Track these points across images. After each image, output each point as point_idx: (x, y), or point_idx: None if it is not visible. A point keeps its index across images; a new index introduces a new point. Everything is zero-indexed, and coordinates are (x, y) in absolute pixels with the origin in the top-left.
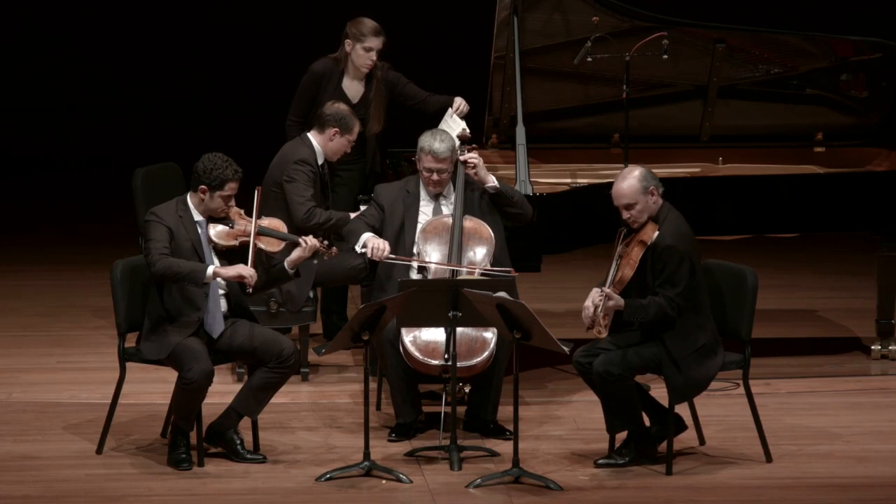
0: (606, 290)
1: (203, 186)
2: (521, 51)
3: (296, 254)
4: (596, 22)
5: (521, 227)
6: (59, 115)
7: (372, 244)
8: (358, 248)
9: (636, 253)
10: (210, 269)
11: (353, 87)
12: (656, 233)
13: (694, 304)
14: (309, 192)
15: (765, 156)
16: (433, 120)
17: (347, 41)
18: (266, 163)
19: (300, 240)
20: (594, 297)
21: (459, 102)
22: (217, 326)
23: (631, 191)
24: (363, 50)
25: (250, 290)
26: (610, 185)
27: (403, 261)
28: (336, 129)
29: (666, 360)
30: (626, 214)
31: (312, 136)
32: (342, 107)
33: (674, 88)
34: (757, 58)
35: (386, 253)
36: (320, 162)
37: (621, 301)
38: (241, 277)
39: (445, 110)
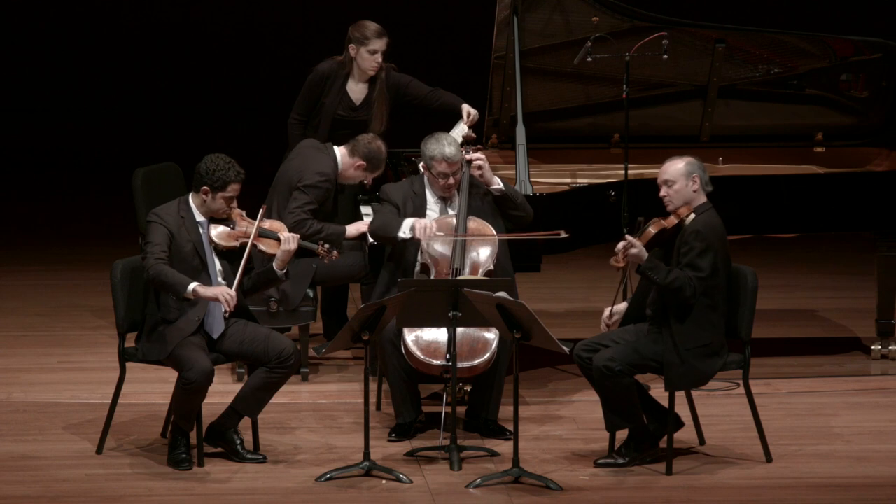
0: (631, 238)
1: (205, 187)
2: (521, 51)
3: (279, 252)
4: (596, 22)
5: (521, 228)
6: (59, 115)
7: (420, 224)
8: (404, 233)
9: (668, 221)
10: (190, 287)
11: (357, 90)
12: (692, 215)
13: (712, 302)
14: (311, 207)
15: (765, 156)
16: (433, 120)
17: (351, 46)
18: (266, 163)
19: (280, 235)
20: (620, 245)
21: (468, 110)
22: (217, 326)
23: (674, 169)
24: (368, 53)
25: (227, 314)
26: (610, 185)
27: (451, 237)
28: (364, 162)
29: (669, 348)
30: (662, 191)
31: (339, 152)
32: (381, 145)
33: (674, 88)
34: (757, 58)
35: (435, 230)
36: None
37: (644, 252)
38: (217, 300)
39: (451, 108)
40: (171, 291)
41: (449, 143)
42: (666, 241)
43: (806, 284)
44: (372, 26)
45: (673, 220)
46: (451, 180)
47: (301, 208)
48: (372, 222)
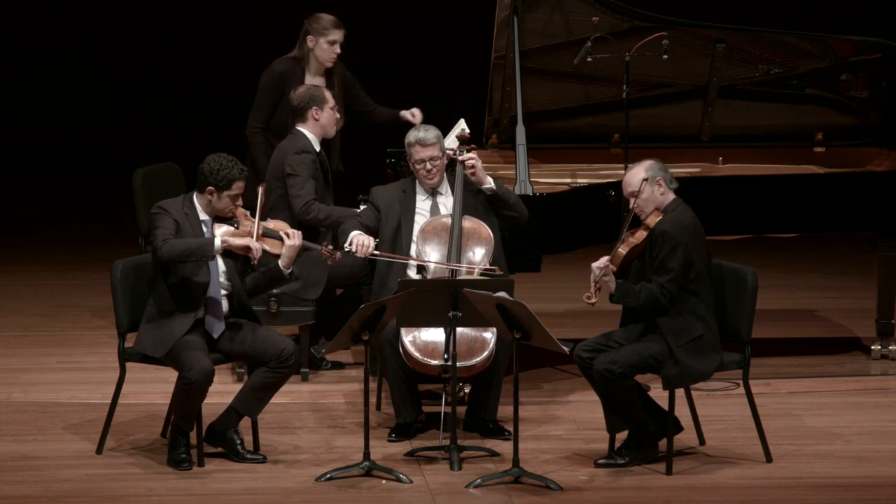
0: (600, 264)
1: (210, 187)
2: (521, 51)
3: (285, 249)
4: (596, 22)
5: (519, 228)
6: (59, 115)
7: (357, 241)
8: (346, 247)
9: (637, 236)
10: (218, 240)
11: (315, 83)
12: (658, 219)
13: (695, 294)
14: (310, 185)
15: (765, 156)
16: (434, 119)
17: (309, 37)
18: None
19: (282, 233)
20: (594, 266)
21: (411, 113)
22: (217, 326)
23: (635, 179)
24: (327, 44)
25: (255, 262)
26: (609, 184)
27: (388, 257)
28: (314, 106)
29: (663, 347)
30: (632, 203)
31: (301, 128)
32: (302, 88)
33: (674, 88)
34: (757, 58)
35: (370, 249)
36: (317, 150)
37: (613, 281)
38: (247, 249)
39: (392, 122)
40: (197, 255)
41: (424, 129)
42: (642, 253)
43: (806, 284)
44: (329, 17)
45: (642, 233)
46: (429, 166)
47: (303, 189)
48: (342, 225)
